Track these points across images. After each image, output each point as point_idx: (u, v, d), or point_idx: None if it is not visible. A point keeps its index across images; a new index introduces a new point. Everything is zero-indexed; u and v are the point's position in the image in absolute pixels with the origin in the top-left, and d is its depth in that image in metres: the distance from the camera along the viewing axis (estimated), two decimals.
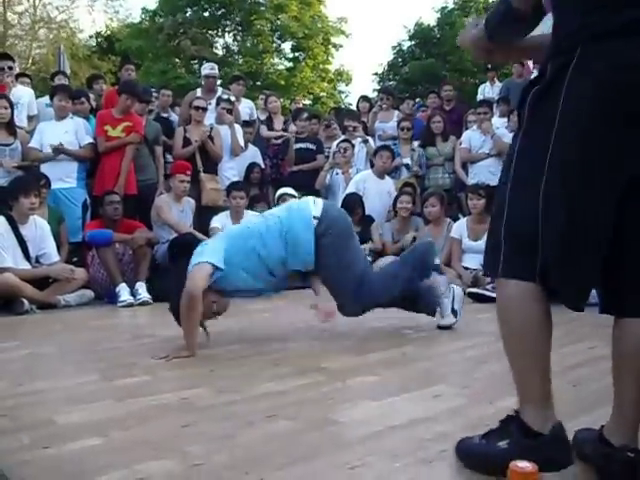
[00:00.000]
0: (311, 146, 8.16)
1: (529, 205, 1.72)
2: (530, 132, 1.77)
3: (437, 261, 4.34)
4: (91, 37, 28.51)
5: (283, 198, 6.64)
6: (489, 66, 12.46)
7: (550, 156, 1.67)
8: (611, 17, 1.59)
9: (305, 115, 8.65)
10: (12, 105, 6.34)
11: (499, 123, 8.24)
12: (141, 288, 5.57)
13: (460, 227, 6.26)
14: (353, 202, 7.05)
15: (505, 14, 1.84)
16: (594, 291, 4.46)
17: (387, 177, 7.67)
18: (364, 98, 9.75)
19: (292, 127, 8.70)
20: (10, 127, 6.33)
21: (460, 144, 7.92)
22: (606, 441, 1.78)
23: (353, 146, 7.98)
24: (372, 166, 7.74)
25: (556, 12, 1.75)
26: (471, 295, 5.35)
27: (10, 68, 7.11)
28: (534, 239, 1.73)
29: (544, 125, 1.69)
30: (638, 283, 1.75)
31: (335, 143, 8.07)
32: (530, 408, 1.84)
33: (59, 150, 6.34)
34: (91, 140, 6.56)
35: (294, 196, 6.71)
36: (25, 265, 5.45)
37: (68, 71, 11.62)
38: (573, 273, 1.75)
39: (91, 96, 7.50)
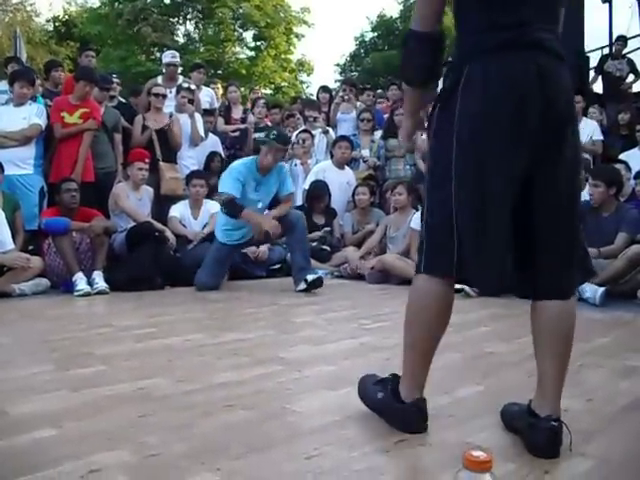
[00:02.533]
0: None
1: (443, 205, 1.94)
2: (438, 135, 1.98)
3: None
4: (48, 21, 28.03)
5: None
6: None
7: (455, 160, 1.88)
8: (490, 36, 1.86)
9: (263, 102, 8.64)
10: None
11: None
12: (98, 277, 5.50)
13: (420, 219, 6.28)
14: (320, 189, 7.08)
15: (416, 47, 2.05)
16: None
17: (347, 168, 7.67)
18: (324, 88, 9.73)
19: (251, 117, 8.67)
20: None
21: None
22: (533, 412, 1.99)
23: (313, 137, 7.97)
24: (332, 157, 7.74)
25: (455, 32, 2.02)
26: None
27: None
28: (449, 238, 1.93)
29: (447, 132, 1.90)
30: (547, 269, 1.96)
31: (295, 133, 8.05)
32: (405, 380, 2.11)
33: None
34: (38, 121, 6.42)
35: None
36: None
37: (25, 56, 11.39)
38: (485, 265, 1.90)
39: (47, 83, 7.38)
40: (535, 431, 1.92)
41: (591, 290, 4.81)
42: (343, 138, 7.79)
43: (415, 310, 2.06)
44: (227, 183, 5.48)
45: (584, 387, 2.57)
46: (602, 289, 4.78)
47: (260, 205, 5.61)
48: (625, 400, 2.40)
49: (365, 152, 8.01)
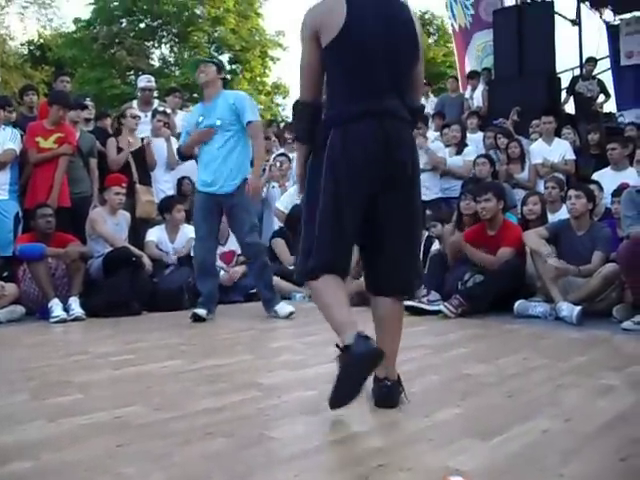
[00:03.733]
0: None
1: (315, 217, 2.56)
2: (314, 165, 2.61)
3: None
4: (23, 45, 27.83)
5: None
6: (424, 81, 12.66)
7: (324, 185, 2.53)
8: (350, 108, 2.53)
9: None
10: None
11: (434, 137, 8.38)
12: (74, 303, 5.46)
13: None
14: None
15: (299, 113, 2.82)
16: (529, 304, 4.64)
17: None
18: None
19: None
20: None
21: None
22: (375, 377, 2.63)
23: (290, 160, 7.99)
24: None
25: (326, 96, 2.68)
26: (407, 308, 5.38)
27: None
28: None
29: (319, 168, 2.55)
30: (384, 273, 2.68)
31: (272, 156, 8.07)
32: (344, 329, 2.50)
33: None
34: (12, 146, 6.38)
35: None
36: None
37: None
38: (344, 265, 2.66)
39: (22, 108, 7.34)
40: (375, 389, 2.65)
41: (568, 309, 4.85)
42: None
43: (323, 296, 2.69)
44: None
45: (562, 407, 2.58)
46: (579, 308, 4.82)
47: (219, 123, 5.30)
48: (603, 419, 2.42)
49: None
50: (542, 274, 5.17)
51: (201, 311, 5.22)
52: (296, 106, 2.64)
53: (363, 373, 2.39)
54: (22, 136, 6.54)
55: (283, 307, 5.41)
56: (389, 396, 2.63)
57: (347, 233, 2.55)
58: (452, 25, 14.78)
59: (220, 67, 5.46)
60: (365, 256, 2.75)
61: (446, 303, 5.22)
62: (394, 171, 2.54)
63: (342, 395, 2.42)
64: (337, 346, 2.46)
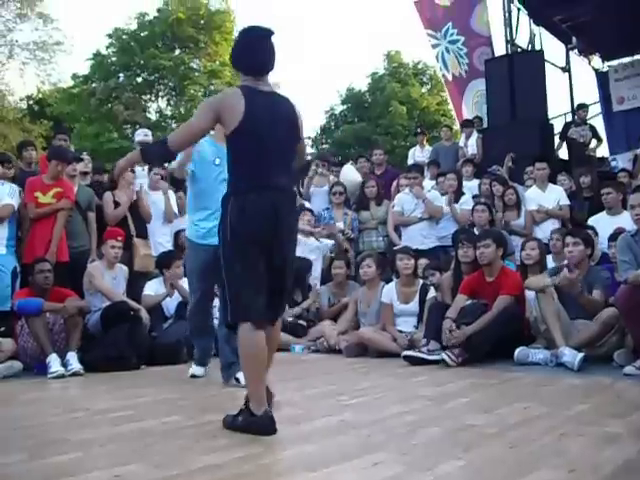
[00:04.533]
0: None
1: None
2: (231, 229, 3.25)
3: None
4: (22, 100, 28.17)
5: None
6: (419, 130, 12.80)
7: (227, 251, 3.26)
8: (248, 183, 3.26)
9: None
10: None
11: (430, 186, 8.44)
12: (72, 358, 5.42)
13: (389, 291, 6.27)
14: (305, 269, 7.12)
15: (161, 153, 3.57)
16: (529, 351, 4.64)
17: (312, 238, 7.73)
18: None
19: None
20: None
21: (393, 207, 8.06)
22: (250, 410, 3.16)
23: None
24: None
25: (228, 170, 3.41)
26: (406, 358, 5.37)
27: None
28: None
29: (223, 235, 3.28)
30: (275, 309, 3.36)
31: None
32: (253, 400, 3.13)
33: None
34: (10, 201, 6.39)
35: None
36: None
37: None
38: (264, 309, 3.23)
39: (20, 163, 7.39)
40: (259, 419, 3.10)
41: (570, 355, 4.82)
42: (305, 209, 7.95)
43: (248, 352, 3.20)
44: None
45: (566, 457, 2.56)
46: (581, 354, 4.80)
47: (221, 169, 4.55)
48: (608, 469, 2.39)
49: (339, 225, 8.06)
50: (546, 316, 5.15)
51: (198, 371, 5.07)
52: (161, 144, 3.44)
53: (257, 433, 3.05)
54: (20, 191, 6.58)
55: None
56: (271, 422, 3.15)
57: (255, 281, 3.22)
58: (444, 75, 14.95)
59: None
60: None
61: (447, 352, 5.18)
62: (280, 233, 3.28)
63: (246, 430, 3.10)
64: (246, 402, 3.17)
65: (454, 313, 5.48)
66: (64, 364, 5.35)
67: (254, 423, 3.07)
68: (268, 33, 3.49)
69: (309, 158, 4.34)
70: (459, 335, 5.16)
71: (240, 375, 4.46)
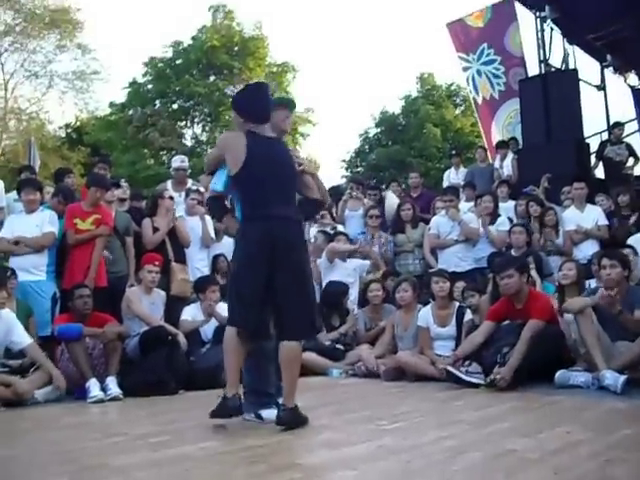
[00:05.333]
0: None
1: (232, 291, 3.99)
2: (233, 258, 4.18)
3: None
4: (60, 128, 28.73)
5: None
6: (453, 152, 12.78)
7: (237, 270, 4.01)
8: (253, 211, 3.94)
9: None
10: None
11: (466, 208, 8.40)
12: (112, 383, 5.46)
13: (426, 315, 6.20)
14: (335, 295, 7.12)
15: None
16: (570, 374, 4.56)
17: (349, 260, 7.76)
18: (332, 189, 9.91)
19: None
20: None
21: (429, 230, 8.03)
22: (279, 404, 3.94)
23: (329, 235, 8.03)
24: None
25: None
26: (449, 375, 5.30)
27: None
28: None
29: (235, 257, 4.10)
30: (281, 326, 3.95)
31: (312, 232, 8.13)
32: (228, 385, 3.84)
33: (18, 242, 6.32)
34: (52, 229, 6.50)
35: None
36: None
37: (38, 163, 11.66)
38: (250, 321, 3.87)
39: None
40: (285, 413, 3.81)
41: (612, 377, 4.73)
42: (340, 233, 8.01)
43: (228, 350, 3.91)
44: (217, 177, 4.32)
45: None
46: (623, 377, 4.70)
47: None
48: None
49: (375, 249, 8.04)
50: (586, 338, 5.06)
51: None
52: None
53: (225, 416, 3.84)
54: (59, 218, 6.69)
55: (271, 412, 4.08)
56: (287, 418, 3.81)
57: (252, 301, 3.84)
58: (474, 99, 14.89)
59: None
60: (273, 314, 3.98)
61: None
62: (281, 255, 3.83)
63: (217, 415, 3.82)
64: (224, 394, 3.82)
65: (481, 338, 5.44)
66: (103, 389, 5.40)
67: (222, 404, 3.78)
68: (267, 87, 4.31)
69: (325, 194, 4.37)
70: (505, 372, 5.04)
71: (265, 412, 4.10)
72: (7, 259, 6.49)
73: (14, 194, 7.19)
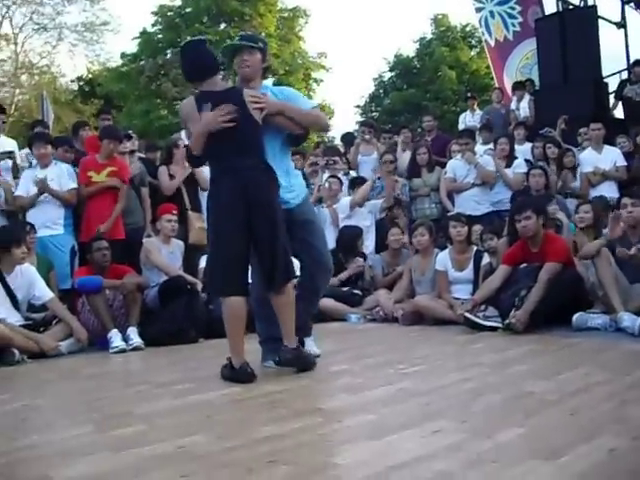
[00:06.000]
0: None
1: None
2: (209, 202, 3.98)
3: None
4: (73, 81, 28.63)
5: None
6: (469, 94, 12.60)
7: (211, 226, 3.95)
8: (217, 168, 3.95)
9: None
10: None
11: (482, 151, 8.32)
12: (133, 333, 5.53)
13: (443, 259, 6.21)
14: (351, 238, 7.11)
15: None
16: (587, 316, 4.56)
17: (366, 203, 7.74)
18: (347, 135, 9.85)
19: None
20: None
21: (445, 174, 7.97)
22: (284, 346, 3.90)
23: (341, 182, 8.00)
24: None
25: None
26: (466, 321, 5.32)
27: (3, 122, 7.22)
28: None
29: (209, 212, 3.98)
30: (266, 274, 3.86)
31: (324, 178, 8.11)
32: (234, 355, 3.78)
33: (42, 184, 6.35)
34: (75, 186, 6.55)
35: None
36: (15, 315, 5.41)
37: (52, 117, 11.66)
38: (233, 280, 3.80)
39: (76, 143, 7.52)
40: (284, 353, 3.90)
41: (630, 319, 4.72)
42: (361, 179, 7.96)
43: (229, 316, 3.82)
44: None
45: (629, 424, 2.52)
46: None
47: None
48: None
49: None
50: (604, 281, 5.05)
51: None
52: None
53: (239, 381, 3.71)
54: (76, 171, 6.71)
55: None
56: (288, 356, 3.90)
57: (236, 257, 3.78)
58: (486, 41, 14.61)
59: (265, 52, 4.31)
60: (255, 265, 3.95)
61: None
62: (255, 206, 3.77)
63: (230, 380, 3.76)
64: (229, 359, 3.81)
65: (498, 282, 5.44)
66: (125, 339, 5.47)
67: (235, 374, 3.73)
68: (196, 43, 4.16)
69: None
70: (522, 315, 5.04)
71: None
72: (24, 215, 6.54)
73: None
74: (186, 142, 7.49)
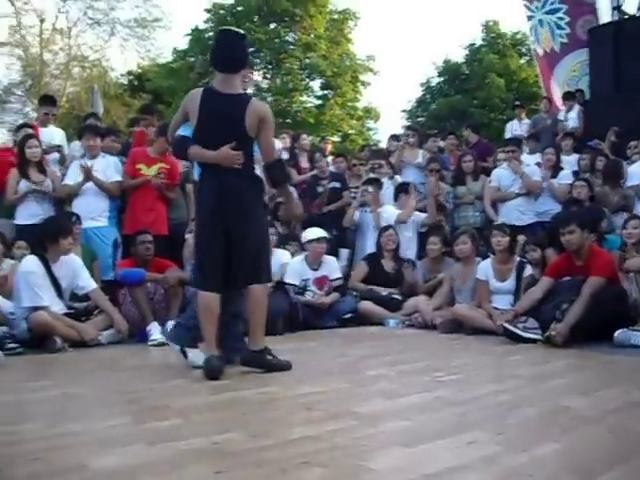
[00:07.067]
0: (336, 184, 8.21)
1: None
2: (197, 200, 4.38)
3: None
4: (122, 75, 28.97)
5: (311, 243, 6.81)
6: (517, 102, 12.48)
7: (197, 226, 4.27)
8: (205, 168, 4.12)
9: (317, 156, 8.69)
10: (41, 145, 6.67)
11: (529, 160, 8.23)
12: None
13: (485, 268, 6.16)
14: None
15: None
16: (630, 333, 4.48)
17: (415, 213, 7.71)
18: (394, 137, 9.78)
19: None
20: (40, 166, 6.51)
21: (489, 182, 7.91)
22: (249, 349, 4.14)
23: (381, 184, 7.99)
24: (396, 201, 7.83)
25: None
26: (505, 332, 5.27)
27: (54, 115, 7.38)
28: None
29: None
30: (238, 274, 4.07)
31: (363, 181, 8.10)
32: (210, 347, 3.98)
33: (87, 171, 6.46)
34: (119, 178, 6.65)
35: (325, 238, 6.76)
36: (59, 304, 5.52)
37: (101, 109, 11.86)
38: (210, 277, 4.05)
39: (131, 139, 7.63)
40: (247, 355, 4.12)
41: None
42: (406, 186, 7.91)
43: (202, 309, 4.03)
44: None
45: None
46: None
47: None
48: None
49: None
50: None
51: None
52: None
53: (212, 376, 3.85)
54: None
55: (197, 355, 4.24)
56: (249, 359, 4.12)
57: (213, 259, 4.02)
58: (535, 50, 14.42)
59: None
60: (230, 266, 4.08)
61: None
62: (234, 210, 3.96)
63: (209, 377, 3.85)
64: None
65: (540, 294, 5.38)
66: (164, 332, 5.53)
67: (210, 363, 3.87)
68: (240, 35, 4.17)
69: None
70: (562, 329, 4.98)
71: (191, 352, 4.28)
72: (70, 205, 6.66)
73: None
74: None
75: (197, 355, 4.19)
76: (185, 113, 4.15)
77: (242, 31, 4.23)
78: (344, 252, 7.83)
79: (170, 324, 5.38)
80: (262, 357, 4.10)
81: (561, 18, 13.31)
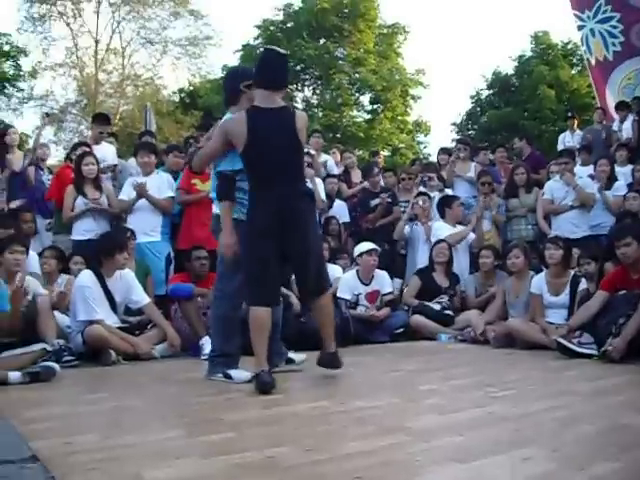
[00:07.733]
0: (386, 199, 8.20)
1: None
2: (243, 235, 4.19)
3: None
4: (174, 93, 29.43)
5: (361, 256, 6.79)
6: (570, 114, 12.30)
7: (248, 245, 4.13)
8: (259, 187, 4.10)
9: (375, 171, 8.69)
10: (98, 162, 6.80)
11: (582, 172, 8.11)
12: None
13: (539, 282, 6.05)
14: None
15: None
16: None
17: (459, 226, 7.66)
18: (443, 150, 9.73)
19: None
20: (97, 182, 6.65)
21: (542, 195, 7.81)
22: (329, 353, 4.39)
23: (430, 198, 7.95)
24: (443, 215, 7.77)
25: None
26: (559, 347, 5.18)
27: (109, 133, 7.59)
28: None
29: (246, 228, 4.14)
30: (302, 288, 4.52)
31: (413, 195, 8.08)
32: (262, 362, 4.02)
33: (141, 189, 6.57)
34: (172, 194, 6.75)
35: (375, 250, 6.75)
36: (112, 317, 5.62)
37: (154, 127, 12.07)
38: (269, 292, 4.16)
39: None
40: (324, 356, 4.37)
41: None
42: (454, 197, 7.86)
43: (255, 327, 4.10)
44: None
45: None
46: None
47: None
48: None
49: (487, 213, 7.86)
50: None
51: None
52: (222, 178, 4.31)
53: (264, 390, 3.85)
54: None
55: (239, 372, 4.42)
56: (329, 360, 4.34)
57: (273, 272, 4.08)
58: (588, 59, 14.18)
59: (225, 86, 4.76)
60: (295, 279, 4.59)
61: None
62: (288, 227, 4.03)
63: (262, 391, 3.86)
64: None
65: (595, 308, 5.27)
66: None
67: (262, 378, 3.89)
68: (285, 55, 4.27)
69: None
70: (619, 344, 4.87)
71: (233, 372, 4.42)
72: (126, 221, 6.79)
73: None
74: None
75: (239, 373, 4.35)
76: (228, 141, 4.15)
77: (284, 50, 4.39)
78: (396, 282, 7.73)
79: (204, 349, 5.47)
80: (338, 358, 4.34)
81: (614, 27, 13.06)
